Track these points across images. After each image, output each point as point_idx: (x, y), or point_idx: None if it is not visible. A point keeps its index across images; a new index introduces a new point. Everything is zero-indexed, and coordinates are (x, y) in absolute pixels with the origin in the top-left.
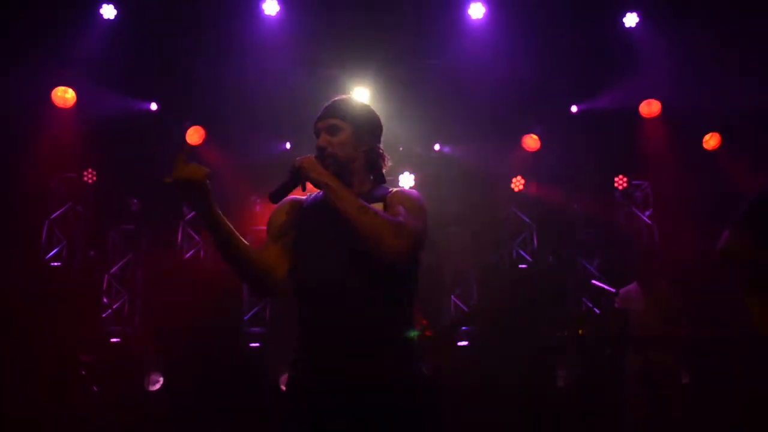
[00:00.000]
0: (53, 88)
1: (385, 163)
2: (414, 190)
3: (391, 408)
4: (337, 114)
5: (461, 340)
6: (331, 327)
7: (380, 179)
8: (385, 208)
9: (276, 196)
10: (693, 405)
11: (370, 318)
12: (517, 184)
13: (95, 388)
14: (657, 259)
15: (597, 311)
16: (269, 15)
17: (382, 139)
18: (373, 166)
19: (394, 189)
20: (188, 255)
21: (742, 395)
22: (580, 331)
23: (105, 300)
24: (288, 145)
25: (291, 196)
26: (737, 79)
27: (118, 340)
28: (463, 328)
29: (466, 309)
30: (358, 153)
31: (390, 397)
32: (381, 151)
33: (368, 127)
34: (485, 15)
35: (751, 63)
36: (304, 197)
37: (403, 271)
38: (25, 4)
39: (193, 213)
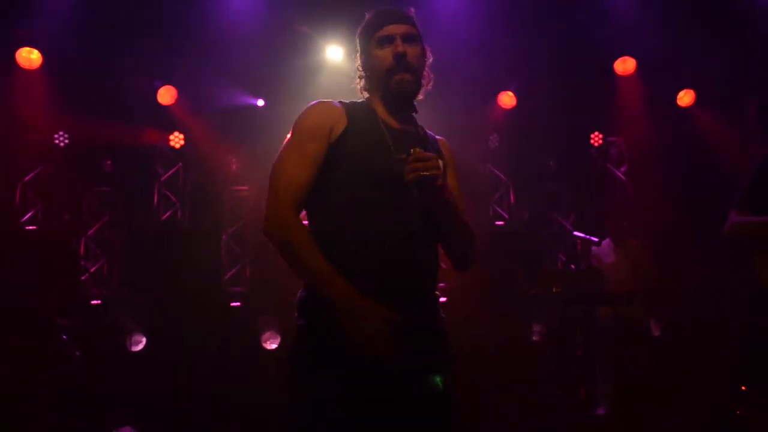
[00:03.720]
0: (17, 49)
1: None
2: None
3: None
4: (413, 23)
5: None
6: (403, 275)
7: (414, 109)
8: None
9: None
10: (663, 357)
11: (434, 269)
12: (493, 141)
13: (78, 353)
14: (629, 216)
15: (572, 267)
16: None
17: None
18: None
19: (441, 140)
20: (165, 216)
21: (713, 347)
22: (554, 289)
23: (82, 263)
24: (261, 102)
25: (329, 104)
26: (711, 36)
27: (98, 302)
28: (440, 284)
29: (443, 266)
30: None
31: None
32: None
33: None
34: None
35: (724, 21)
36: (338, 105)
37: None
38: None
39: (168, 174)
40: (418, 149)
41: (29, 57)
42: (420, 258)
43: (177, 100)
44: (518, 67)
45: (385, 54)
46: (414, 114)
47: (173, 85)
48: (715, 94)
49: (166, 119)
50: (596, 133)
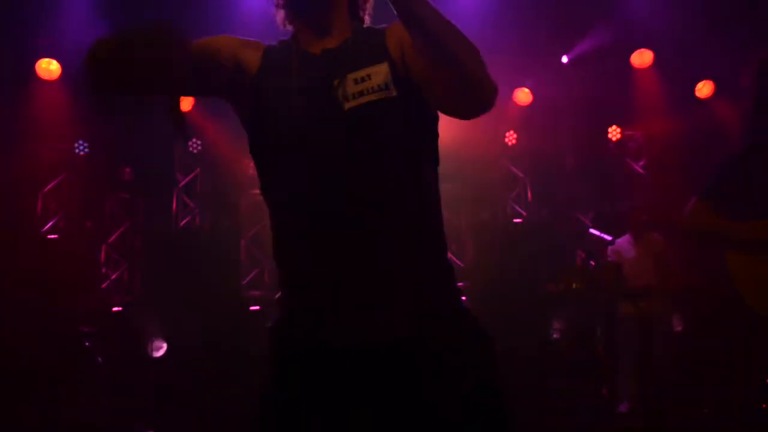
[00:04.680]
0: (37, 60)
1: (369, 5)
2: None
3: (438, 359)
4: None
5: None
6: (346, 251)
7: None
8: (393, 65)
9: None
10: (685, 353)
11: (404, 235)
12: (510, 138)
13: (99, 359)
14: (648, 210)
15: (591, 264)
16: None
17: None
18: (356, 6)
19: (386, 27)
20: (183, 222)
21: (734, 345)
22: (573, 285)
23: (103, 270)
24: None
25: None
26: (729, 25)
27: (120, 309)
28: (459, 284)
29: (461, 265)
30: None
31: (438, 343)
32: None
33: None
34: None
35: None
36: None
37: (434, 166)
38: None
39: (187, 179)
40: None
41: (48, 68)
42: (359, 208)
43: (194, 106)
44: (534, 63)
45: None
46: (359, 25)
47: None
48: (735, 85)
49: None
50: (614, 127)
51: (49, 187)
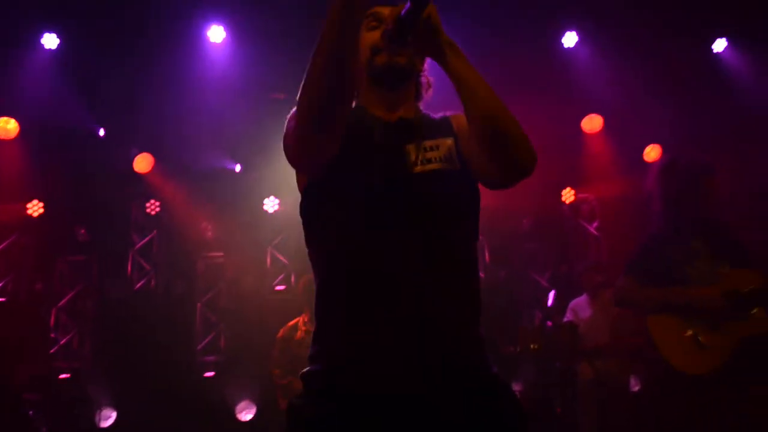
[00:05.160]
0: None
1: (429, 94)
2: None
3: (476, 419)
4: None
5: None
6: (402, 313)
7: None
8: (457, 142)
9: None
10: (641, 412)
11: (454, 303)
12: None
13: (44, 429)
14: (603, 271)
15: (548, 324)
16: (215, 42)
17: None
18: (419, 92)
19: (451, 114)
20: (139, 284)
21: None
22: (532, 346)
23: (52, 335)
24: (238, 168)
25: None
26: (674, 92)
27: (68, 375)
28: None
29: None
30: (418, 68)
31: (479, 403)
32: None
33: None
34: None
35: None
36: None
37: (475, 238)
38: None
39: (143, 241)
40: None
41: (6, 127)
42: (430, 285)
43: (153, 168)
44: None
45: (373, 34)
46: (417, 104)
47: (150, 153)
48: (681, 149)
49: (142, 186)
50: (568, 190)
51: None
